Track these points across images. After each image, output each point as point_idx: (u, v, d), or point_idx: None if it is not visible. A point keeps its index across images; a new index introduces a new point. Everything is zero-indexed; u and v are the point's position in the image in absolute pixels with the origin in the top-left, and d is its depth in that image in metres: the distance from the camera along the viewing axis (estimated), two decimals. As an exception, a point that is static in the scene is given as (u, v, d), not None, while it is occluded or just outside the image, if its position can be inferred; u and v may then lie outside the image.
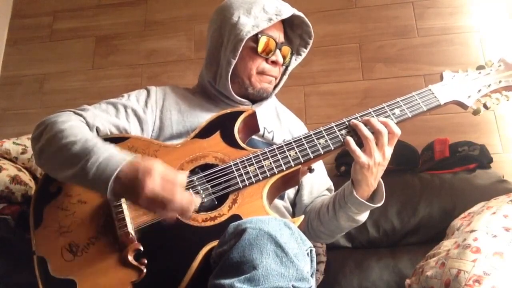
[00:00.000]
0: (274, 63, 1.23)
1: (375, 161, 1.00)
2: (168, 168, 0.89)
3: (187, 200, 0.86)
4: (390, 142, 1.02)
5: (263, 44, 1.20)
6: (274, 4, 1.22)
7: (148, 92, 1.24)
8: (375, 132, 1.01)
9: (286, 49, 1.26)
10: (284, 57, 1.25)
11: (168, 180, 0.86)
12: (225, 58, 1.20)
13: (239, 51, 1.17)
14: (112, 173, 0.88)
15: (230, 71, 1.20)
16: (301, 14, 1.25)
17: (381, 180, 1.08)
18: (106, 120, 1.13)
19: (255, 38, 1.19)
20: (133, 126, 1.16)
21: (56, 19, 2.54)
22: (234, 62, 1.18)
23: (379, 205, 1.08)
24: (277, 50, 1.22)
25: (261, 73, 1.23)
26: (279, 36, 1.24)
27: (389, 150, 1.02)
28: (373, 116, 1.04)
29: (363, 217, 1.13)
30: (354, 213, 1.10)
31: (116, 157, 0.91)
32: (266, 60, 1.22)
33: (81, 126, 1.05)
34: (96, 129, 1.10)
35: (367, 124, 1.02)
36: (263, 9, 1.19)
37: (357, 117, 1.05)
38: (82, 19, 2.51)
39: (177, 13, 2.43)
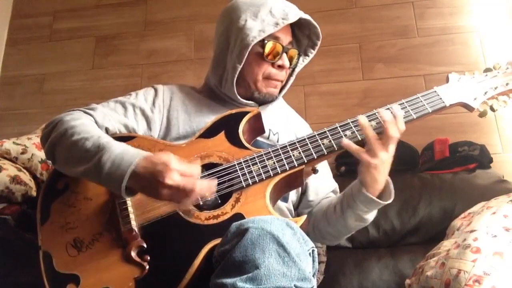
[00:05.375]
0: (280, 67, 1.20)
1: (381, 158, 0.99)
2: (181, 159, 0.91)
3: (206, 185, 0.89)
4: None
5: (269, 49, 1.18)
6: (281, 7, 1.19)
7: (156, 91, 1.24)
8: (385, 122, 0.98)
9: (293, 51, 1.24)
10: (290, 60, 1.23)
11: (185, 170, 0.88)
12: (231, 62, 1.19)
13: (245, 57, 1.16)
14: (126, 168, 0.89)
15: (236, 76, 1.19)
16: (307, 16, 1.22)
17: (389, 178, 1.06)
18: (115, 120, 1.13)
19: (261, 43, 1.17)
20: (141, 126, 1.17)
21: (56, 19, 2.54)
22: (239, 67, 1.17)
23: (388, 202, 1.07)
24: (284, 54, 1.20)
25: (267, 78, 1.21)
26: (286, 39, 1.21)
27: (392, 147, 1.01)
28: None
29: (371, 215, 1.12)
30: (363, 211, 1.08)
31: (129, 153, 0.92)
32: (273, 64, 1.20)
33: (92, 124, 1.06)
34: (106, 129, 1.11)
35: (374, 118, 1.01)
36: (270, 12, 1.17)
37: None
38: (82, 19, 2.51)
39: (177, 13, 2.43)
